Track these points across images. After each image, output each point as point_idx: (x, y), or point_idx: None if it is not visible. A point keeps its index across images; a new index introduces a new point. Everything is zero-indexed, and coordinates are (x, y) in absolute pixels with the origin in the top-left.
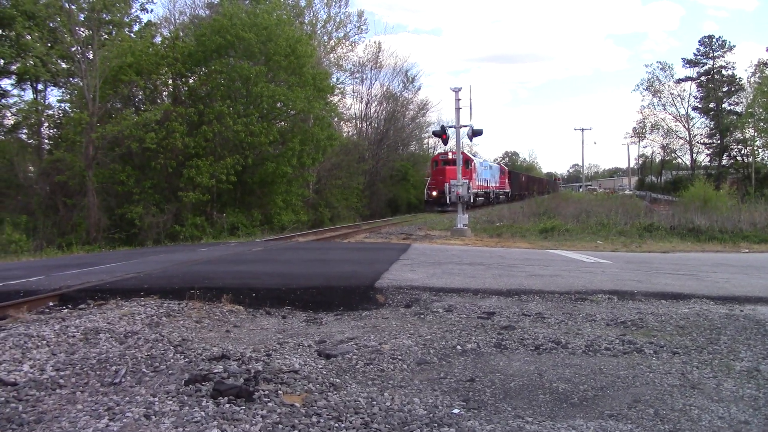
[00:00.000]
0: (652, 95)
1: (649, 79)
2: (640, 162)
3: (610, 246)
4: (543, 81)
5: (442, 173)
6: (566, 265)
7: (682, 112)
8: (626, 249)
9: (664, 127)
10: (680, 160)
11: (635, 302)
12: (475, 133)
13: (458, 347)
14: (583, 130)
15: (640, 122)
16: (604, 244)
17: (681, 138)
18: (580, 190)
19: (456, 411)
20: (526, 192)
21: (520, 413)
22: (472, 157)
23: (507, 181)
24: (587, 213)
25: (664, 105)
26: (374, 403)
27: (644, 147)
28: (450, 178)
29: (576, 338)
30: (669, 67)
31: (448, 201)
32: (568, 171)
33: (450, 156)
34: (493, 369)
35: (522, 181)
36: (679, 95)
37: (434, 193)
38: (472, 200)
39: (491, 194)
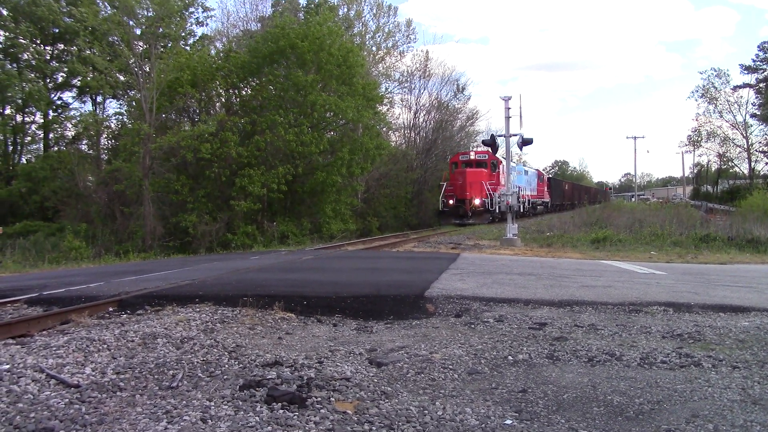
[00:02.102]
0: (708, 102)
1: (704, 86)
2: (695, 171)
3: (664, 257)
4: (593, 89)
5: (462, 177)
6: (619, 276)
7: (740, 119)
8: (681, 260)
9: (721, 135)
10: (737, 169)
11: (692, 315)
12: (525, 142)
13: (509, 358)
14: (635, 138)
15: (695, 130)
16: (658, 254)
17: (738, 146)
18: (633, 199)
19: (508, 422)
20: (569, 202)
21: (574, 426)
22: (500, 159)
23: (546, 189)
24: (640, 223)
25: (720, 112)
26: (426, 412)
27: (699, 155)
28: (471, 182)
29: (630, 350)
30: (725, 73)
31: (469, 211)
32: (620, 180)
33: (472, 156)
34: (546, 380)
35: (565, 189)
36: (736, 102)
37: (451, 202)
38: (498, 210)
39: (526, 204)
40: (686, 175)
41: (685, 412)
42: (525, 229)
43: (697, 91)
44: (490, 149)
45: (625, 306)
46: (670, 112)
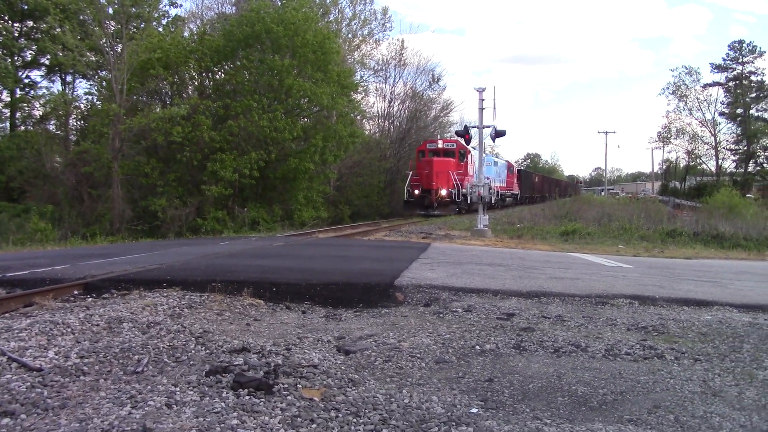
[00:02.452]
0: (678, 100)
1: (675, 84)
2: (664, 167)
3: (631, 250)
4: (566, 83)
5: (428, 166)
6: (587, 269)
7: (709, 117)
8: (648, 254)
9: (690, 132)
10: (705, 166)
11: (657, 308)
12: (498, 133)
13: (477, 347)
14: (606, 133)
15: (665, 127)
16: (626, 248)
17: (706, 143)
18: (602, 193)
19: (474, 410)
20: (539, 195)
21: (539, 415)
22: (468, 148)
23: (516, 181)
24: (609, 217)
25: (690, 110)
26: (392, 400)
27: (669, 152)
28: (438, 172)
29: (596, 342)
30: (695, 71)
31: (435, 202)
32: (591, 174)
33: (440, 145)
34: (512, 370)
35: (535, 182)
36: (705, 100)
37: (417, 192)
38: (468, 201)
39: (494, 196)
40: (655, 170)
41: (647, 403)
42: (496, 221)
43: (668, 88)
44: (458, 138)
45: (592, 298)
46: (641, 108)
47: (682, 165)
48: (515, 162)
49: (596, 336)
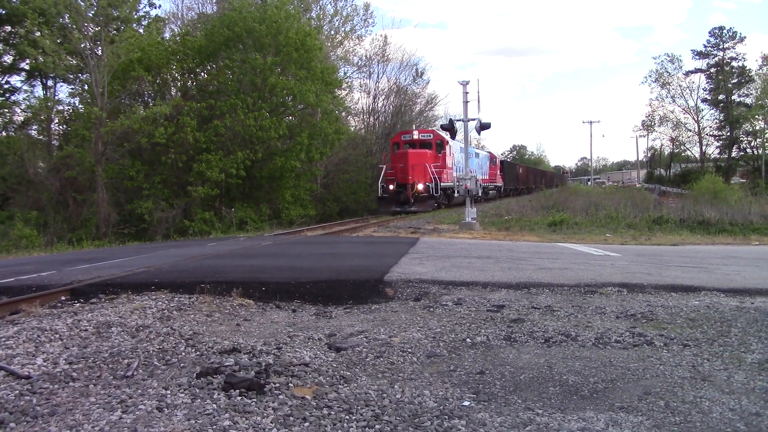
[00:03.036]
0: (661, 87)
1: (657, 71)
2: (648, 155)
3: (619, 239)
4: (550, 74)
5: (403, 159)
6: (575, 258)
7: (692, 104)
8: (635, 242)
9: (673, 119)
10: (689, 153)
11: (645, 295)
12: (483, 126)
13: (468, 340)
14: (591, 123)
15: (649, 115)
16: (614, 237)
17: (690, 130)
18: (589, 183)
19: (466, 403)
20: (524, 186)
21: (531, 405)
22: (446, 138)
23: (499, 173)
24: (596, 206)
25: (673, 97)
26: (385, 395)
27: (653, 140)
28: (413, 165)
29: (586, 331)
30: (677, 59)
31: (411, 197)
32: (577, 164)
33: (416, 135)
34: (503, 362)
35: (519, 173)
36: (688, 87)
37: (391, 187)
38: (447, 196)
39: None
40: (640, 159)
41: (637, 390)
42: (483, 213)
43: (651, 76)
44: (437, 129)
45: (581, 287)
46: (625, 97)
47: (666, 152)
48: (501, 154)
49: (586, 325)
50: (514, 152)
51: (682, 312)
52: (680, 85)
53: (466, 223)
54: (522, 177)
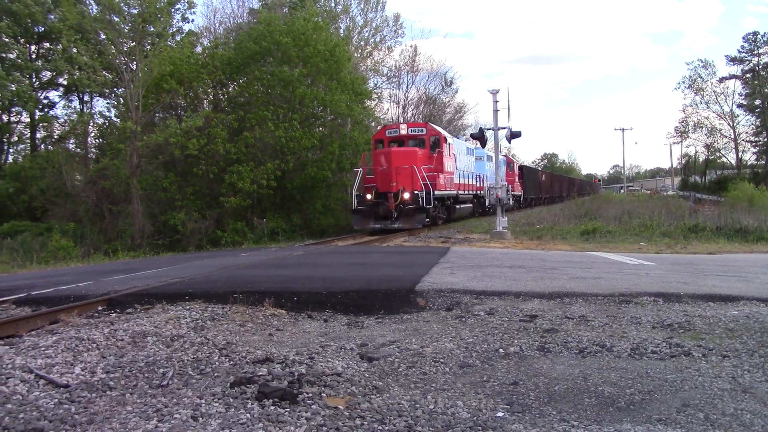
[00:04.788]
0: (695, 93)
1: (690, 77)
2: (683, 162)
3: (653, 247)
4: (579, 81)
5: (387, 160)
6: (609, 267)
7: (727, 110)
8: (671, 250)
9: (708, 125)
10: (725, 159)
11: (682, 305)
12: (514, 134)
13: (500, 350)
14: (623, 130)
15: (683, 121)
16: (648, 245)
17: (725, 136)
18: (621, 191)
19: (500, 414)
20: (547, 195)
21: (566, 417)
22: (444, 134)
23: (518, 180)
24: (629, 214)
25: (707, 103)
26: (417, 406)
27: (687, 146)
28: (399, 168)
29: (621, 341)
30: (711, 64)
31: (394, 209)
32: (609, 172)
33: (404, 131)
34: (537, 372)
35: (541, 180)
36: (722, 93)
37: (369, 197)
38: (434, 206)
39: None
40: (674, 166)
41: (676, 402)
42: (515, 222)
43: (684, 82)
44: (428, 123)
45: (615, 297)
46: (657, 103)
47: (701, 159)
48: (531, 162)
49: (621, 335)
50: (545, 160)
51: (721, 322)
52: (714, 91)
53: (497, 232)
54: (545, 185)
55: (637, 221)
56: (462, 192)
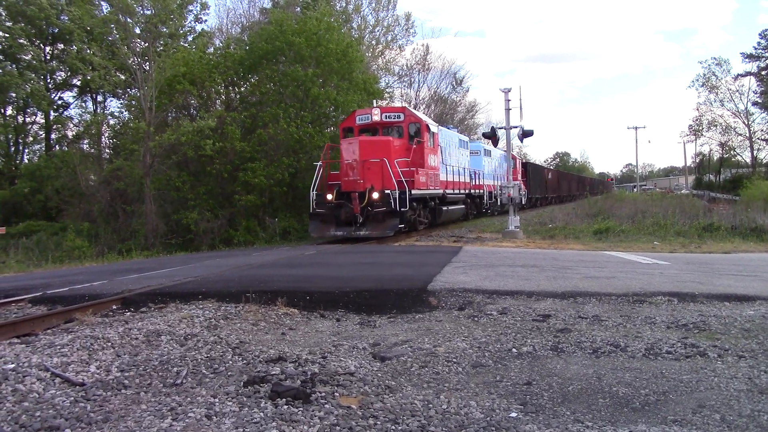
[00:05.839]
0: (709, 91)
1: (704, 75)
2: (697, 160)
3: (667, 247)
4: (591, 80)
5: (352, 152)
6: (622, 267)
7: (741, 108)
8: (685, 250)
9: (722, 123)
10: (740, 158)
11: (696, 304)
12: (526, 133)
13: (514, 350)
14: (636, 128)
15: (697, 119)
16: (662, 244)
17: (740, 135)
18: (634, 189)
19: (513, 414)
20: (554, 195)
21: (580, 417)
22: (427, 121)
23: (522, 178)
24: (643, 213)
25: (721, 101)
26: (430, 406)
27: (701, 145)
28: (366, 162)
29: (635, 341)
30: (725, 62)
31: (360, 214)
32: (622, 171)
33: (376, 116)
34: (550, 372)
35: (548, 179)
36: (737, 91)
37: (330, 197)
38: (411, 209)
39: (484, 198)
40: (688, 164)
41: (691, 403)
42: (527, 222)
43: (698, 80)
44: (405, 108)
45: (629, 296)
46: (670, 101)
47: (715, 157)
48: (543, 161)
49: (635, 335)
50: (557, 159)
51: (737, 322)
52: (729, 89)
53: (509, 232)
54: (552, 183)
55: (651, 220)
56: (451, 191)
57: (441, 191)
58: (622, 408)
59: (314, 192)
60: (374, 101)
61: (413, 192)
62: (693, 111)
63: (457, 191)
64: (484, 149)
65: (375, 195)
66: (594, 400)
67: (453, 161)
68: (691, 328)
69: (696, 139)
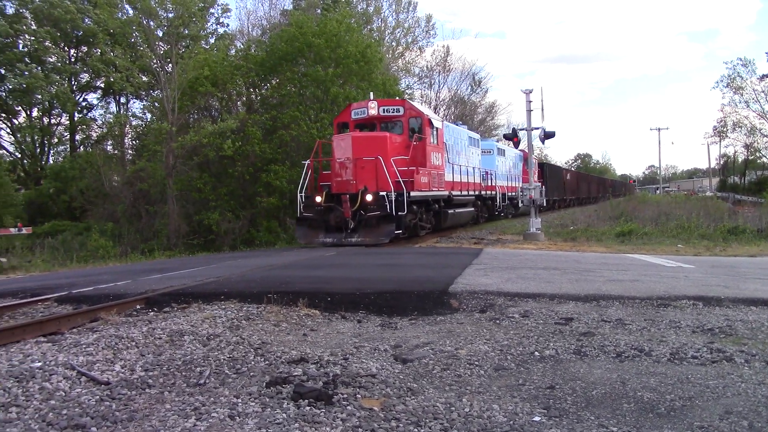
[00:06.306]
0: (734, 92)
1: (729, 76)
2: (721, 162)
3: (691, 250)
4: (613, 81)
5: (344, 149)
6: (646, 270)
7: (767, 108)
8: (709, 253)
9: (747, 125)
10: (765, 160)
11: (722, 308)
12: (548, 135)
13: (536, 353)
14: (659, 130)
15: (721, 121)
16: (686, 247)
17: (766, 136)
18: (657, 192)
19: (537, 419)
20: (573, 197)
21: (604, 422)
22: (430, 116)
23: (537, 179)
24: (666, 215)
25: (746, 102)
26: (453, 408)
27: (726, 146)
28: (360, 161)
29: (660, 345)
30: (750, 62)
31: (352, 219)
32: (644, 173)
33: (373, 110)
34: (574, 376)
35: (566, 180)
36: (763, 91)
37: (319, 199)
38: (409, 212)
39: (496, 200)
40: (712, 166)
41: (718, 409)
42: (548, 224)
43: (722, 81)
44: (405, 100)
45: (653, 300)
46: (694, 102)
47: (740, 159)
48: (564, 163)
49: (660, 339)
50: (578, 161)
51: (764, 327)
52: (754, 90)
53: (530, 234)
54: (570, 185)
55: (674, 223)
56: (458, 192)
57: (446, 193)
58: (647, 413)
59: (301, 194)
60: None
61: (412, 194)
62: (717, 112)
63: (465, 192)
64: (498, 148)
65: (368, 197)
66: (618, 404)
67: (461, 160)
68: (717, 332)
69: (720, 141)
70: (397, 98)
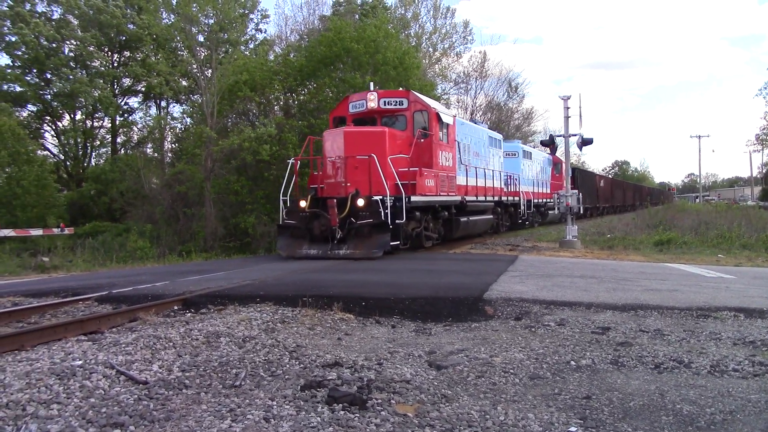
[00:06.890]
0: None
1: None
2: (764, 171)
3: (732, 260)
4: (652, 87)
5: (335, 146)
6: (685, 280)
7: None
8: (751, 263)
9: None
10: None
11: (765, 321)
12: (585, 142)
13: (572, 363)
14: (699, 137)
15: (764, 128)
16: (726, 257)
17: None
18: (697, 200)
19: (573, 429)
20: (606, 205)
21: None
22: (435, 108)
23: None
24: (706, 225)
25: None
26: (487, 416)
27: None
28: (352, 159)
29: (700, 357)
30: None
31: (339, 227)
32: (683, 181)
33: (372, 103)
34: (611, 387)
35: (599, 186)
36: None
37: (303, 204)
38: (408, 219)
39: (520, 207)
40: (754, 175)
41: (760, 424)
42: (584, 231)
43: (766, 88)
44: (410, 91)
45: (693, 311)
46: (736, 109)
47: None
48: (602, 170)
49: (700, 351)
50: (616, 168)
51: None
52: None
53: (566, 241)
54: (604, 192)
55: (715, 232)
56: (473, 198)
57: (458, 198)
58: (686, 426)
59: (284, 198)
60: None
61: (414, 198)
62: (760, 120)
63: (482, 198)
64: (523, 150)
65: (360, 202)
66: (657, 417)
67: (479, 162)
68: (759, 345)
69: (763, 149)
70: (401, 89)
